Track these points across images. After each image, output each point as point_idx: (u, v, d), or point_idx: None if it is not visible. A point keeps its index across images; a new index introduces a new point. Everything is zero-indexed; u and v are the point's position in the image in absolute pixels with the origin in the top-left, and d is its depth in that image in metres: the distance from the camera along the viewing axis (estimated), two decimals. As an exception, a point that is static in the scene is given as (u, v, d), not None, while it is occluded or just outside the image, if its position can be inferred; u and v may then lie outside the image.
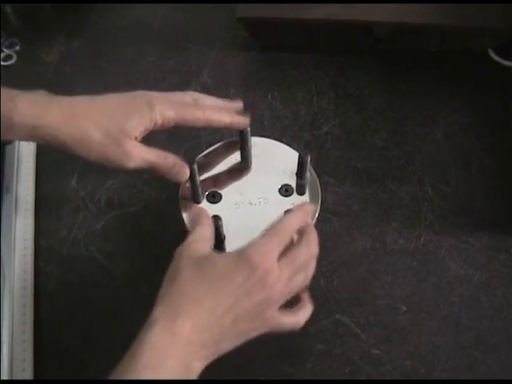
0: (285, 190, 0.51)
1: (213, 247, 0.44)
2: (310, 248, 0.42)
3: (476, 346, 0.48)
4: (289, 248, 0.42)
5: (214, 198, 0.51)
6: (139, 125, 0.45)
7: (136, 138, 0.45)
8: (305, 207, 0.46)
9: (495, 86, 0.63)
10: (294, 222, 0.43)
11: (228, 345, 0.39)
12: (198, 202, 0.51)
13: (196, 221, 0.46)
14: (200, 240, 0.43)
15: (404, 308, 0.50)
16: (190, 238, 0.43)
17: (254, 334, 0.40)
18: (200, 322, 0.38)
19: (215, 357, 0.39)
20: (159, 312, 0.38)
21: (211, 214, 0.47)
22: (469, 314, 0.49)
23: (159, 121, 0.46)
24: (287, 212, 0.46)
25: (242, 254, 0.40)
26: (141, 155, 0.45)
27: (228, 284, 0.39)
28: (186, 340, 0.37)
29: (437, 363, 0.47)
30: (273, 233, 0.42)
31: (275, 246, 0.41)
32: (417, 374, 0.47)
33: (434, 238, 0.53)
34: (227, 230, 0.48)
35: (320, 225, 0.53)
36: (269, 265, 0.39)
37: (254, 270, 0.39)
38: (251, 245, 0.40)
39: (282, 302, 0.41)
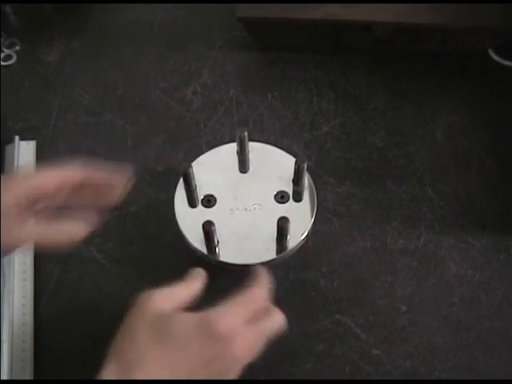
0: (280, 197, 0.51)
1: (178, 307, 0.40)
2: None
3: (476, 346, 0.48)
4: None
5: (209, 203, 0.51)
6: None
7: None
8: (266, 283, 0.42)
9: (495, 85, 0.63)
10: (260, 297, 0.41)
11: None
12: (194, 207, 0.51)
13: (184, 279, 0.41)
14: (166, 296, 0.39)
15: (404, 308, 0.50)
16: (157, 292, 0.39)
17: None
18: (152, 376, 0.35)
19: None
20: (111, 366, 0.35)
21: (206, 218, 0.46)
22: (469, 314, 0.49)
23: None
24: (282, 218, 0.46)
25: (204, 315, 0.37)
26: None
27: (187, 353, 0.36)
28: None
29: (437, 363, 0.47)
30: (237, 301, 0.39)
31: (239, 314, 0.38)
32: (417, 373, 0.47)
33: (434, 238, 0.53)
34: (220, 235, 0.48)
35: (320, 225, 0.53)
36: (231, 332, 0.37)
37: (214, 338, 0.36)
38: (212, 310, 0.38)
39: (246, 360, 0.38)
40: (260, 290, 0.41)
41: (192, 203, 0.51)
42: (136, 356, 0.36)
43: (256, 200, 0.51)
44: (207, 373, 0.36)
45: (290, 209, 0.50)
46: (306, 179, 0.51)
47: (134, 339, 0.37)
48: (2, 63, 0.66)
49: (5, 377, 0.46)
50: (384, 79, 0.64)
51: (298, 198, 0.51)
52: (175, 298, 0.39)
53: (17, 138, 0.59)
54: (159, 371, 0.35)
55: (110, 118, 0.62)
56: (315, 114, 0.61)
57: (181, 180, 0.51)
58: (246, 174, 0.53)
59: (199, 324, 0.37)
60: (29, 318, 0.49)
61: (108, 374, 0.35)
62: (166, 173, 0.57)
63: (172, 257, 0.52)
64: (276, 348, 0.48)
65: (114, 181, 0.44)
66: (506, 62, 0.64)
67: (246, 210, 0.50)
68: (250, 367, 0.47)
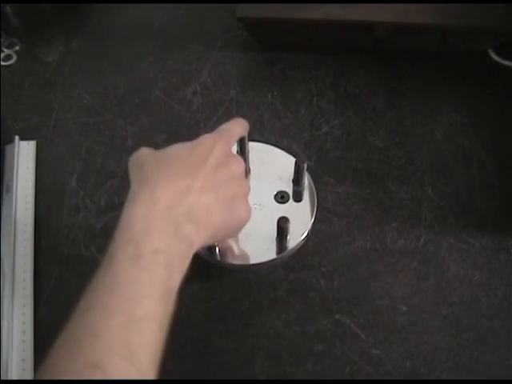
0: (280, 197, 0.51)
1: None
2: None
3: (476, 346, 0.48)
4: None
5: None
6: None
7: None
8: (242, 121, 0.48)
9: (495, 86, 0.63)
10: (238, 128, 0.47)
11: (221, 214, 0.40)
12: None
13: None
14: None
15: (404, 308, 0.50)
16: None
17: (240, 197, 0.43)
18: (180, 189, 0.38)
19: (218, 233, 0.41)
20: (136, 191, 0.38)
21: None
22: (469, 313, 0.49)
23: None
24: (282, 218, 0.46)
25: (196, 139, 0.42)
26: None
27: (196, 156, 0.40)
28: (170, 203, 0.37)
29: (437, 363, 0.47)
30: (221, 129, 0.45)
31: (226, 136, 0.44)
32: (417, 373, 0.47)
33: (433, 238, 0.53)
34: None
35: (320, 225, 0.53)
36: (226, 143, 0.43)
37: (214, 144, 0.41)
38: (202, 136, 0.43)
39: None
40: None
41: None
42: (156, 174, 0.39)
43: (256, 200, 0.51)
44: (221, 178, 0.41)
45: (289, 209, 0.50)
46: (306, 179, 0.51)
47: (150, 167, 0.40)
48: (2, 63, 0.66)
49: (5, 377, 0.46)
50: (384, 79, 0.64)
51: (298, 197, 0.51)
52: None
53: (17, 138, 0.59)
54: (185, 172, 0.39)
55: (110, 118, 0.62)
56: (315, 114, 0.61)
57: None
58: (246, 174, 0.53)
59: (198, 139, 0.42)
60: (29, 318, 0.49)
61: (131, 193, 0.39)
62: (166, 173, 0.57)
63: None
64: (276, 348, 0.48)
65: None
66: (506, 62, 0.64)
67: None
68: (250, 367, 0.48)
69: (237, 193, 0.43)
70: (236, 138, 0.46)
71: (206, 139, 0.42)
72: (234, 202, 0.42)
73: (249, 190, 0.45)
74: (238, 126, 0.47)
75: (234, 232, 0.46)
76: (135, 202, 0.38)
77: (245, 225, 0.44)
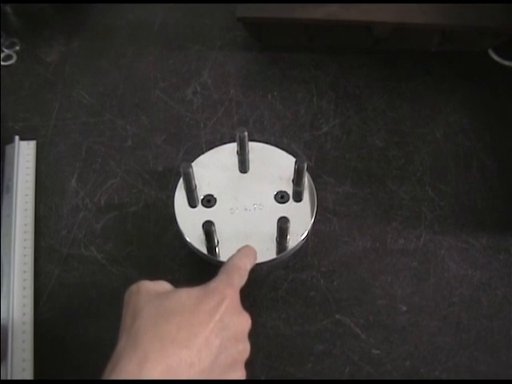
0: (280, 197, 0.51)
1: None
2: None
3: (476, 346, 0.48)
4: None
5: (209, 203, 0.51)
6: None
7: None
8: (251, 250, 0.45)
9: (495, 85, 0.63)
10: (248, 262, 0.43)
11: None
12: (194, 207, 0.51)
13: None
14: (157, 283, 0.40)
15: (404, 308, 0.50)
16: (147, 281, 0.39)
17: (238, 365, 0.38)
18: (172, 364, 0.34)
19: None
20: (123, 354, 0.34)
21: (206, 218, 0.46)
22: (469, 314, 0.49)
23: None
24: (282, 218, 0.46)
25: (207, 285, 0.39)
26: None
27: (199, 315, 0.36)
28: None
29: (437, 363, 0.47)
30: (231, 269, 0.41)
31: (237, 281, 0.40)
32: (417, 373, 0.47)
33: (434, 237, 0.53)
34: (221, 235, 0.48)
35: (320, 225, 0.53)
36: (236, 293, 0.39)
37: (223, 297, 0.38)
38: (212, 280, 0.40)
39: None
40: (244, 260, 0.43)
41: (192, 203, 0.51)
42: (150, 334, 0.35)
43: (256, 200, 0.51)
44: (227, 330, 0.37)
45: (289, 209, 0.50)
46: (306, 179, 0.51)
47: (144, 320, 0.36)
48: (2, 63, 0.66)
49: (5, 377, 0.46)
50: (384, 79, 0.64)
51: (297, 198, 0.51)
52: (165, 287, 0.40)
53: (17, 138, 0.59)
54: (181, 340, 0.35)
55: (110, 118, 0.62)
56: (315, 114, 0.61)
57: (181, 180, 0.51)
58: (245, 174, 0.53)
59: (204, 288, 0.38)
60: (29, 318, 0.49)
61: (119, 347, 0.35)
62: (166, 173, 0.57)
63: (172, 257, 0.52)
64: (276, 348, 0.48)
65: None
66: (506, 62, 0.64)
67: (245, 209, 0.50)
68: (250, 367, 0.48)
69: (234, 359, 0.38)
70: (247, 275, 0.42)
71: (215, 290, 0.38)
72: (229, 371, 0.38)
73: (248, 353, 0.40)
74: (247, 260, 0.43)
75: None
76: (119, 374, 0.33)
77: None
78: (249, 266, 0.43)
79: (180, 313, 0.36)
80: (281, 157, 0.54)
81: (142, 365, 0.33)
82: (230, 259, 0.43)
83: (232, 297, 0.38)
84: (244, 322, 0.39)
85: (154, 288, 0.39)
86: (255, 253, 0.45)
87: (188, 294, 0.38)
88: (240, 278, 0.41)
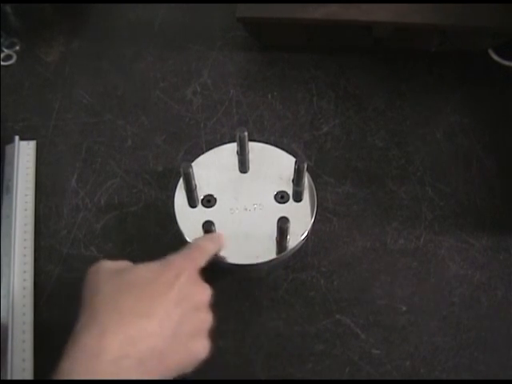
0: (280, 197, 0.51)
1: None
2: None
3: (476, 346, 0.48)
4: None
5: (209, 203, 0.51)
6: None
7: None
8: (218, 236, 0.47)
9: (495, 85, 0.63)
10: (210, 244, 0.45)
11: (175, 357, 0.37)
12: (194, 207, 0.51)
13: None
14: (117, 262, 0.41)
15: (404, 308, 0.50)
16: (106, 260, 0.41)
17: (200, 334, 0.39)
18: (131, 335, 0.34)
19: (170, 373, 0.37)
20: (82, 329, 0.35)
21: (206, 218, 0.47)
22: (469, 314, 0.49)
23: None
24: (282, 218, 0.46)
25: (165, 260, 0.40)
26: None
27: (158, 286, 0.37)
28: (117, 355, 0.33)
29: (437, 363, 0.47)
30: (192, 246, 0.43)
31: (196, 257, 0.42)
32: (417, 374, 0.47)
33: (434, 238, 0.53)
34: None
35: (320, 225, 0.53)
36: (194, 267, 0.40)
37: (182, 269, 0.39)
38: (171, 255, 0.40)
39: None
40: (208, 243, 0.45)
41: (192, 203, 0.51)
42: (109, 309, 0.36)
43: (256, 200, 0.51)
44: (186, 302, 0.38)
45: (290, 209, 0.50)
46: (306, 179, 0.51)
47: (103, 296, 0.37)
48: (2, 63, 0.66)
49: (5, 377, 0.46)
50: (384, 79, 0.64)
51: (297, 197, 0.51)
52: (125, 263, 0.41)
53: (17, 138, 0.59)
54: (140, 314, 0.36)
55: (110, 118, 0.62)
56: (315, 114, 0.61)
57: (181, 180, 0.51)
58: (246, 174, 0.53)
59: (162, 263, 0.39)
60: (29, 318, 0.49)
61: (79, 325, 0.36)
62: (166, 173, 0.57)
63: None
64: (276, 348, 0.48)
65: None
66: (506, 62, 0.64)
67: (245, 209, 0.50)
68: (250, 367, 0.48)
69: (197, 328, 0.39)
70: (208, 257, 0.43)
71: (173, 262, 0.39)
72: (192, 340, 0.38)
73: (210, 322, 0.40)
74: (210, 243, 0.45)
75: (186, 370, 0.39)
76: (79, 351, 0.34)
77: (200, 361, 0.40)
78: (211, 247, 0.44)
79: (139, 285, 0.37)
80: (281, 157, 0.54)
81: (100, 338, 0.34)
82: (193, 240, 0.45)
83: (190, 269, 0.40)
84: (203, 292, 0.41)
85: (114, 266, 0.40)
86: (221, 240, 0.46)
87: (147, 268, 0.39)
88: (200, 255, 0.42)
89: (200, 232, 0.47)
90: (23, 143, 0.59)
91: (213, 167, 0.53)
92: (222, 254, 0.49)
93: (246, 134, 0.50)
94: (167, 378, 0.37)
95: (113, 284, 0.38)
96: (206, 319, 0.40)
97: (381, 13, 0.60)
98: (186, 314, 0.38)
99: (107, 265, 0.40)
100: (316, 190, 0.52)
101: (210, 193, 0.51)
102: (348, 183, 0.56)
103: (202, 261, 0.42)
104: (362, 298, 0.50)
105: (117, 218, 0.55)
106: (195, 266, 0.41)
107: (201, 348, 0.39)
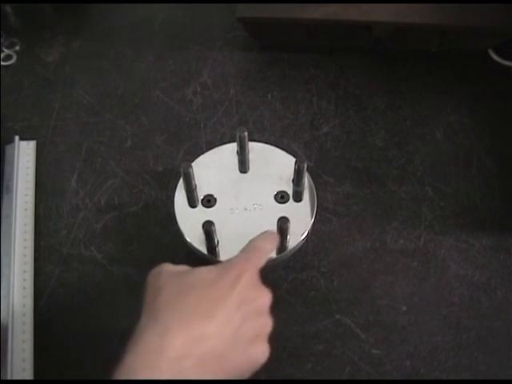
0: (280, 197, 0.51)
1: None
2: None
3: (476, 346, 0.48)
4: None
5: (209, 203, 0.51)
6: None
7: None
8: (272, 234, 0.46)
9: (495, 85, 0.63)
10: (268, 244, 0.44)
11: (235, 360, 0.37)
12: (194, 207, 0.51)
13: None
14: (178, 265, 0.41)
15: (404, 308, 0.50)
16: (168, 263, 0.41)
17: (260, 338, 0.39)
18: (193, 336, 0.35)
19: (228, 376, 0.36)
20: (145, 329, 0.35)
21: (206, 218, 0.47)
22: (469, 314, 0.49)
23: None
24: (282, 218, 0.46)
25: (226, 262, 0.40)
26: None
27: (219, 289, 0.37)
28: (179, 354, 0.34)
29: (437, 363, 0.47)
30: (251, 248, 0.42)
31: (256, 258, 0.41)
32: (417, 374, 0.47)
33: (434, 237, 0.53)
34: (221, 235, 0.48)
35: (320, 225, 0.53)
36: (255, 269, 0.40)
37: (242, 272, 0.38)
38: (232, 257, 0.41)
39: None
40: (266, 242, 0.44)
41: (192, 203, 0.51)
42: (172, 309, 0.36)
43: (256, 200, 0.51)
44: (248, 305, 0.38)
45: (290, 209, 0.50)
46: (306, 179, 0.51)
47: (166, 297, 0.37)
48: (2, 63, 0.66)
49: (5, 377, 0.46)
50: (384, 79, 0.64)
51: (298, 197, 0.51)
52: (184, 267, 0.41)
53: (17, 138, 0.59)
54: (202, 314, 0.36)
55: (109, 118, 0.62)
56: (315, 114, 0.61)
57: (181, 180, 0.51)
58: (246, 174, 0.53)
59: (224, 265, 0.39)
60: (29, 318, 0.49)
61: (140, 325, 0.36)
62: (166, 173, 0.57)
63: (172, 257, 0.52)
64: (276, 348, 0.48)
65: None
66: (506, 62, 0.64)
67: (246, 209, 0.50)
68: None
69: (257, 332, 0.39)
70: (266, 258, 0.43)
71: (234, 265, 0.39)
72: (252, 345, 0.38)
73: (271, 327, 0.40)
74: (268, 243, 0.44)
75: (245, 374, 0.39)
76: (142, 348, 0.34)
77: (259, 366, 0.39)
78: (269, 248, 0.44)
79: (200, 287, 0.37)
80: (281, 157, 0.54)
81: (163, 337, 0.34)
82: (250, 241, 0.44)
83: (251, 272, 0.39)
84: (264, 295, 0.40)
85: (175, 268, 0.40)
86: (277, 237, 0.46)
87: (208, 270, 0.39)
88: (259, 257, 0.42)
89: (200, 232, 0.47)
90: (23, 143, 0.59)
91: (213, 167, 0.53)
92: (222, 254, 0.49)
93: (246, 133, 0.50)
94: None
95: (174, 285, 0.38)
96: (267, 323, 0.40)
97: (381, 13, 0.60)
98: (246, 318, 0.37)
99: (168, 267, 0.40)
100: (316, 189, 0.52)
101: (210, 193, 0.51)
102: (348, 183, 0.56)
103: (261, 262, 0.42)
104: (361, 298, 0.50)
105: (117, 218, 0.55)
106: (255, 268, 0.40)
107: (260, 352, 0.39)
